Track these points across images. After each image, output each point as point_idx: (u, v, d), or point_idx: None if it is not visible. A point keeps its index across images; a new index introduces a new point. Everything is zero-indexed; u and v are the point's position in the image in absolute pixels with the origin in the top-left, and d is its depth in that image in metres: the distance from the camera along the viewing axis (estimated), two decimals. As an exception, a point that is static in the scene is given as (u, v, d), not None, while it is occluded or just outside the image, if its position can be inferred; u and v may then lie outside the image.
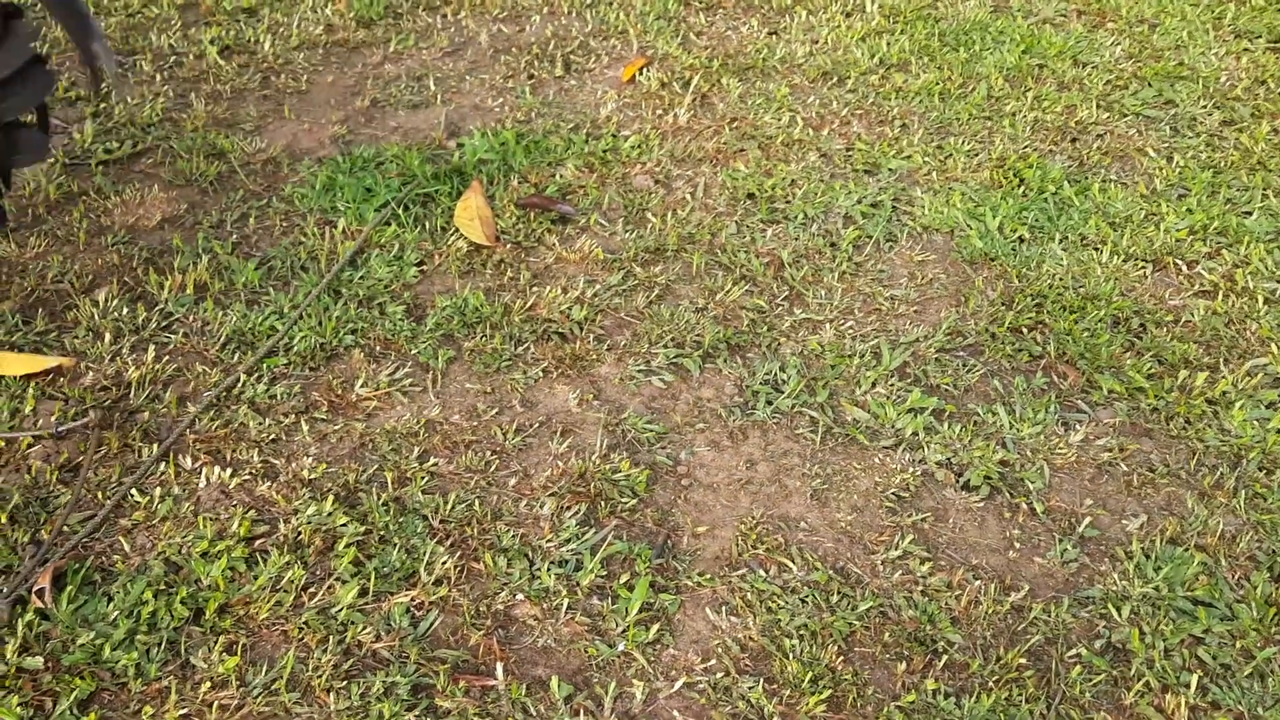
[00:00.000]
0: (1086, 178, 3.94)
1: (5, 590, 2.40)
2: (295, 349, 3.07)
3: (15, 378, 2.92)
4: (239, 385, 2.94)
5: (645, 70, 4.47)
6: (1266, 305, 3.37)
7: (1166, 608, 2.50)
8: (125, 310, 3.16)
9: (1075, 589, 2.56)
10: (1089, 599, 2.53)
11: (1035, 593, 2.55)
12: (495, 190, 3.72)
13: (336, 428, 2.86)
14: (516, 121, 4.13)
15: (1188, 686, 2.35)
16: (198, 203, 3.65)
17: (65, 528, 2.56)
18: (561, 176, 3.81)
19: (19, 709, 2.17)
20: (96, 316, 3.13)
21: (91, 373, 2.96)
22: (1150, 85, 4.53)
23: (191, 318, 3.17)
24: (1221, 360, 3.18)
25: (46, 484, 2.66)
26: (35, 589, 2.40)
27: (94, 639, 2.31)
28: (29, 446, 2.74)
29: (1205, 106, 4.41)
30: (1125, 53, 4.79)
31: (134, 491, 2.65)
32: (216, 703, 2.23)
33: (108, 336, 3.06)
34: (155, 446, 2.77)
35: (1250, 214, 3.77)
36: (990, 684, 2.34)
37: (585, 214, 3.65)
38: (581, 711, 2.26)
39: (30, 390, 2.87)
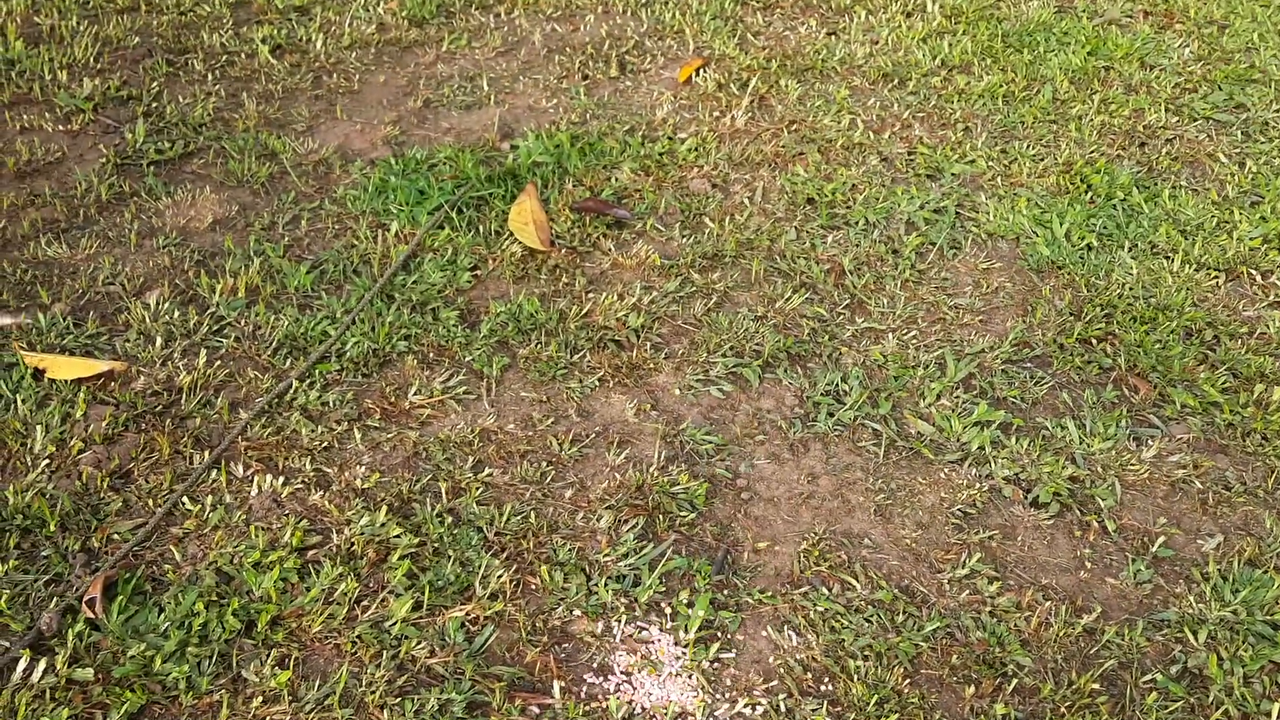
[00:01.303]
0: (1156, 184, 3.84)
1: (55, 600, 2.37)
2: (348, 354, 3.03)
3: (66, 381, 2.89)
4: (291, 391, 2.91)
5: (702, 71, 4.40)
6: (1346, 317, 3.27)
7: (1245, 632, 2.41)
8: (176, 313, 3.14)
9: (1149, 611, 2.47)
10: (1164, 622, 2.44)
11: (1108, 615, 2.46)
12: (550, 194, 3.66)
13: (389, 436, 2.81)
14: (571, 123, 4.08)
15: (1269, 715, 2.26)
16: (249, 204, 3.62)
17: (115, 536, 2.53)
18: (617, 180, 3.76)
19: (69, 721, 2.14)
20: (148, 319, 3.11)
21: (143, 377, 2.93)
22: (1220, 88, 4.41)
23: (243, 321, 3.14)
24: (1300, 374, 3.08)
25: (97, 490, 2.64)
26: (86, 599, 2.37)
27: (145, 650, 2.28)
28: (79, 453, 2.72)
29: (1278, 110, 4.28)
30: (1194, 55, 4.67)
31: (185, 499, 2.62)
32: (269, 718, 2.19)
33: (159, 340, 3.03)
34: (207, 453, 2.73)
35: (1327, 222, 3.66)
36: (1062, 709, 2.26)
37: (641, 218, 3.59)
38: (640, 733, 2.21)
39: (81, 394, 2.84)
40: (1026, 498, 2.71)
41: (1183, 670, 2.35)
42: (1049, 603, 2.48)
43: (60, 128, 3.93)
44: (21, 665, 2.24)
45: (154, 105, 4.08)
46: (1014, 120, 4.16)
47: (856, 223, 3.60)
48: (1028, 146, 4.00)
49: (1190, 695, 2.30)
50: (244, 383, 2.95)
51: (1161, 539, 2.62)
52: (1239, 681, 2.32)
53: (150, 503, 2.62)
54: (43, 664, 2.23)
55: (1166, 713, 2.27)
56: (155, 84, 4.18)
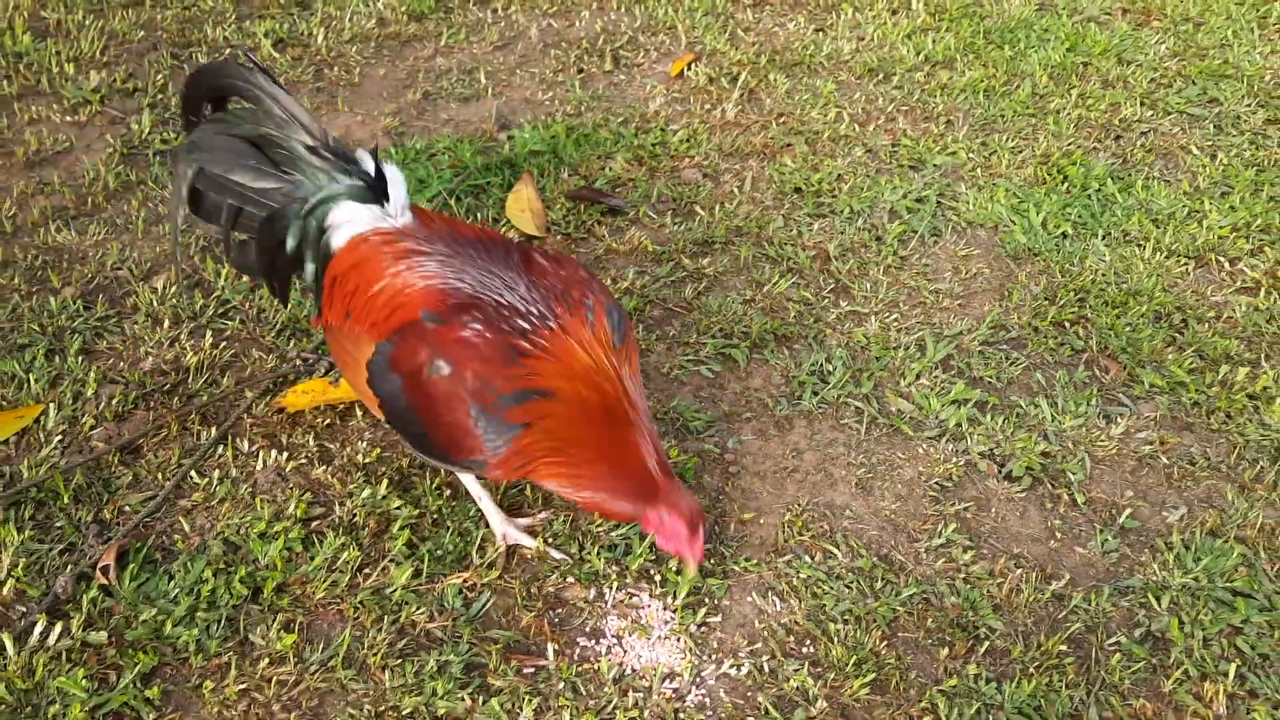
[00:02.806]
0: (1130, 175, 3.96)
1: (70, 567, 2.48)
2: (349, 336, 3.13)
3: (78, 360, 3.00)
4: (294, 373, 3.01)
5: (693, 65, 4.51)
6: (1310, 302, 3.40)
7: (1206, 598, 2.53)
8: (183, 297, 3.24)
9: (1115, 578, 2.60)
10: (1129, 589, 2.57)
11: (1076, 582, 2.58)
12: (545, 182, 3.78)
13: (390, 413, 2.92)
14: (566, 115, 4.19)
15: (1226, 675, 2.38)
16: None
17: (126, 508, 2.64)
18: (611, 169, 3.87)
19: (84, 681, 2.24)
20: (155, 303, 3.21)
21: (150, 358, 3.04)
22: (1195, 83, 4.53)
23: (248, 304, 3.24)
24: (1263, 356, 3.20)
25: (108, 465, 2.74)
26: (100, 565, 2.48)
27: (156, 615, 2.38)
28: (91, 429, 2.83)
29: (1249, 105, 4.41)
30: (1170, 51, 4.79)
31: (193, 473, 2.73)
32: (275, 678, 2.30)
33: (166, 322, 3.14)
34: (213, 430, 2.84)
35: (1294, 211, 3.78)
36: (1031, 670, 2.38)
37: (635, 206, 3.71)
38: (630, 691, 2.32)
39: (92, 374, 2.95)
40: (1000, 472, 2.83)
41: (1146, 633, 2.47)
42: (1020, 570, 2.60)
43: (68, 119, 4.03)
44: (39, 628, 2.34)
45: (159, 97, 4.18)
46: (994, 114, 4.28)
47: (842, 211, 3.72)
48: (1007, 139, 4.12)
49: (1152, 656, 2.42)
50: (249, 363, 3.05)
51: (1128, 511, 2.74)
52: (1199, 644, 2.44)
53: (159, 476, 2.73)
54: (59, 627, 2.34)
55: (1130, 673, 2.39)
56: (160, 76, 4.28)
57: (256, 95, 2.44)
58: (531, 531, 2.62)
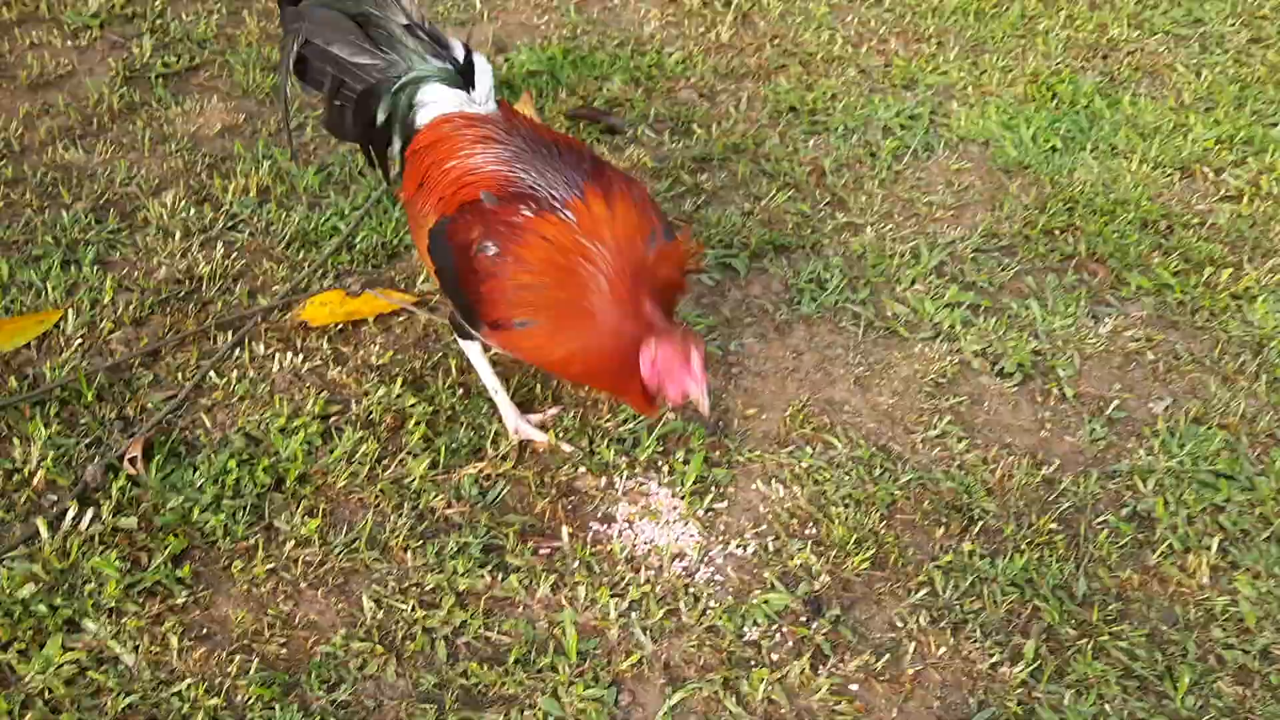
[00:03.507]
0: (1117, 92, 4.05)
1: (97, 458, 2.57)
2: (358, 247, 3.21)
3: (93, 269, 3.07)
4: (306, 281, 3.09)
5: (686, -10, 4.57)
6: (1290, 209, 3.51)
7: (1190, 480, 2.65)
8: (192, 211, 3.30)
9: (1103, 464, 2.71)
10: (1116, 472, 2.68)
11: (1065, 467, 2.70)
12: (544, 103, 3.84)
13: (401, 319, 3.00)
14: (563, 38, 4.25)
15: (1209, 549, 2.50)
16: (255, 113, 3.78)
17: (149, 405, 2.72)
18: (608, 90, 3.94)
19: (118, 562, 2.33)
20: (165, 216, 3.27)
21: (164, 268, 3.11)
22: (1180, 4, 4.63)
23: (256, 218, 3.31)
24: (1245, 258, 3.31)
25: (129, 366, 2.82)
26: (128, 457, 2.56)
27: (183, 503, 2.47)
28: (110, 333, 2.90)
29: (1233, 25, 4.51)
30: (1156, -26, 4.88)
31: (212, 374, 2.81)
32: (301, 558, 2.40)
33: (177, 235, 3.20)
34: (230, 334, 2.92)
35: (1276, 125, 3.89)
36: (1023, 546, 2.50)
37: (633, 125, 3.78)
38: (642, 569, 2.42)
39: (108, 282, 3.02)
40: (993, 369, 2.94)
41: (1133, 513, 2.59)
42: (1012, 458, 2.71)
43: (69, 43, 4.06)
44: (71, 514, 2.43)
45: (159, 22, 4.21)
46: (984, 35, 4.36)
47: (836, 129, 3.80)
48: (997, 59, 4.21)
49: (1139, 533, 2.54)
50: (260, 273, 3.13)
51: (1116, 403, 2.86)
52: (1183, 521, 2.56)
53: (179, 377, 2.81)
54: (90, 513, 2.43)
55: (1117, 547, 2.51)
56: (159, 2, 4.31)
57: None
58: (543, 426, 2.71)
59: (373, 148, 2.66)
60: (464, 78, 2.54)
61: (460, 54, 2.56)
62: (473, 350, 2.65)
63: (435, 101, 2.55)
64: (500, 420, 2.69)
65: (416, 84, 2.55)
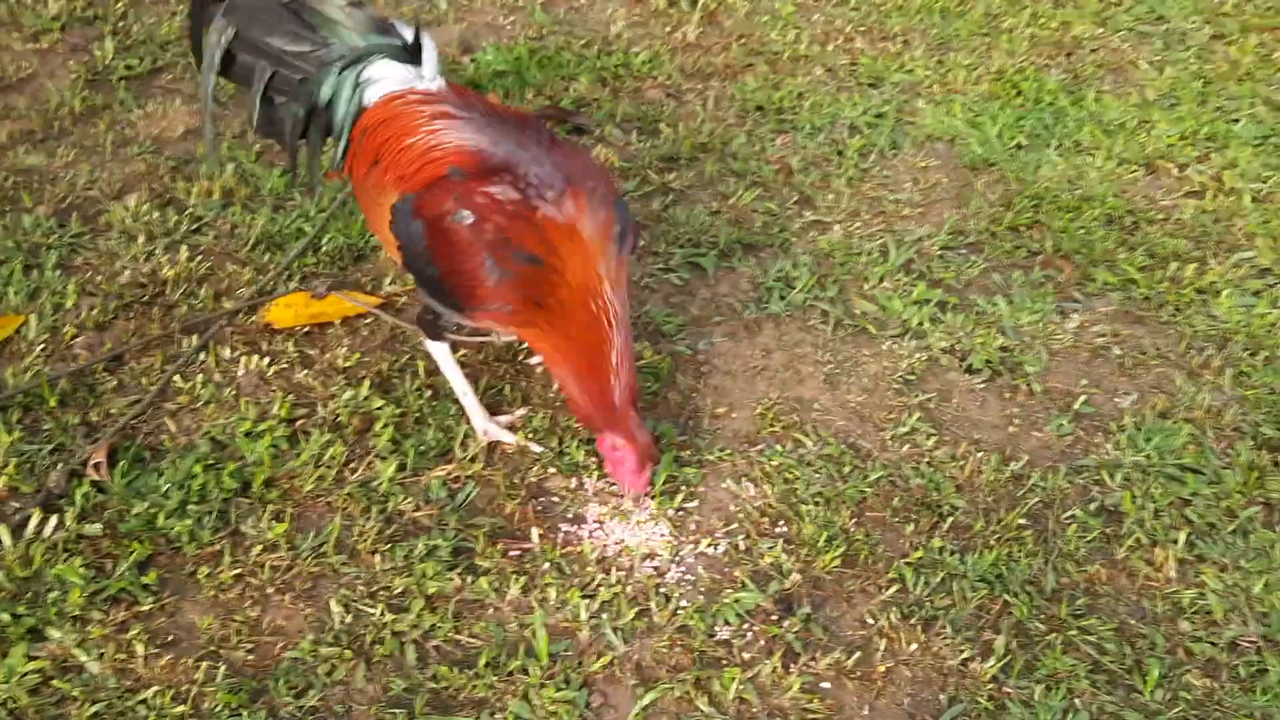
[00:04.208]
0: (1081, 89, 4.08)
1: (60, 465, 2.54)
2: (324, 249, 3.19)
3: (56, 273, 3.03)
4: (272, 284, 3.06)
5: (652, -11, 4.57)
6: (1253, 203, 3.54)
7: (1156, 474, 2.67)
8: (156, 214, 3.28)
9: (1071, 459, 2.72)
10: (1084, 467, 2.69)
11: (1034, 462, 2.71)
12: (511, 103, 3.83)
13: (368, 321, 2.99)
14: (529, 38, 4.24)
15: (1175, 542, 2.51)
16: (219, 115, 3.74)
17: (112, 411, 2.70)
18: (575, 90, 3.93)
19: (82, 569, 2.31)
20: (128, 220, 3.24)
21: (128, 272, 3.08)
22: (1143, 1, 4.66)
23: (220, 221, 3.29)
24: (1210, 253, 3.34)
25: (93, 371, 2.79)
26: (92, 463, 2.53)
27: (148, 508, 2.45)
28: (73, 338, 2.87)
29: (1196, 21, 4.54)
30: (1119, -29, 4.91)
31: (177, 378, 2.78)
32: (268, 563, 2.38)
33: (141, 238, 3.18)
34: (195, 338, 2.89)
35: (1238, 121, 3.92)
36: (992, 542, 2.50)
37: (600, 125, 3.77)
38: (612, 569, 2.42)
39: (71, 286, 2.99)
40: (961, 365, 2.95)
41: (1100, 507, 2.60)
42: (981, 454, 2.71)
43: (29, 46, 4.03)
44: (34, 521, 2.40)
45: (120, 25, 4.18)
46: (950, 33, 4.38)
47: (803, 127, 3.81)
48: (963, 57, 4.22)
49: (1106, 527, 2.56)
50: (225, 275, 3.10)
51: (1083, 398, 2.87)
52: (1150, 515, 2.57)
53: (143, 381, 2.78)
54: (53, 520, 2.40)
55: (1085, 542, 2.52)
56: (120, 4, 4.28)
57: None
58: (512, 428, 2.70)
59: (308, 135, 2.59)
60: (412, 54, 2.51)
61: (409, 35, 2.53)
62: (440, 352, 2.64)
63: (384, 78, 2.52)
64: (469, 422, 2.68)
65: (363, 60, 2.51)
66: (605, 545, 2.48)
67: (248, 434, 2.63)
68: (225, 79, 2.62)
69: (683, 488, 2.60)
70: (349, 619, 2.28)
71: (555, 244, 2.32)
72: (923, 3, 4.55)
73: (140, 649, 2.19)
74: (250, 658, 2.22)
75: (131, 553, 2.36)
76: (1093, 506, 2.60)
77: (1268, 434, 2.78)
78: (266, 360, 2.84)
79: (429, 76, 2.53)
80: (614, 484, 2.55)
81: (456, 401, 2.70)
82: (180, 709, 2.10)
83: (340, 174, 2.64)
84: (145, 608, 2.27)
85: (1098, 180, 3.59)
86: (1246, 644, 2.35)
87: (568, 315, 2.34)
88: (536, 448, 2.66)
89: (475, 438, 2.66)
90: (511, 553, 2.45)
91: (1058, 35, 4.41)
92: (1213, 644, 2.34)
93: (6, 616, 2.21)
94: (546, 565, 2.41)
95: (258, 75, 2.55)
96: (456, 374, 2.65)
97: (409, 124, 2.46)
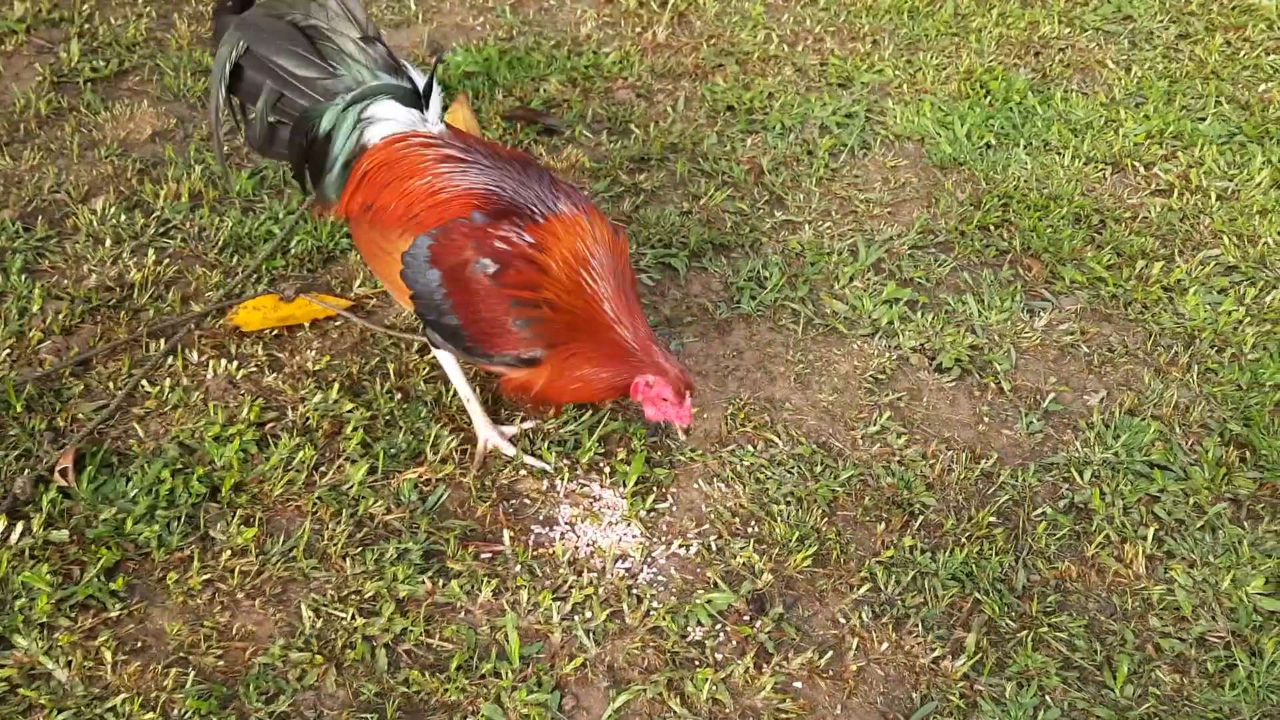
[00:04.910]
0: (1049, 88, 4.10)
1: (26, 470, 2.51)
2: (293, 252, 3.17)
3: (21, 278, 3.01)
4: (240, 287, 3.05)
5: (622, -10, 4.57)
6: (1219, 202, 3.57)
7: (1125, 471, 2.69)
8: (123, 217, 3.25)
9: (1040, 456, 2.74)
10: (1053, 465, 2.71)
11: (1003, 460, 2.72)
12: (480, 104, 3.82)
13: (337, 324, 2.97)
14: (499, 39, 4.23)
15: (1144, 539, 2.53)
16: (186, 117, 3.73)
17: (79, 416, 2.67)
18: (545, 91, 3.92)
19: (49, 576, 2.29)
20: (95, 223, 3.22)
21: (95, 275, 3.05)
22: (1109, 1, 4.68)
23: (189, 224, 3.26)
24: (1176, 251, 3.36)
25: (59, 376, 2.77)
26: (58, 469, 2.51)
27: (116, 514, 2.43)
28: (39, 343, 2.84)
29: (1162, 21, 4.57)
30: (1086, -29, 4.94)
31: (144, 383, 2.76)
32: (238, 569, 2.36)
33: (108, 241, 3.15)
34: (162, 342, 2.87)
35: (1204, 119, 3.95)
36: (963, 540, 2.51)
37: (570, 126, 3.77)
38: (584, 571, 2.41)
39: (36, 290, 2.96)
40: (931, 364, 2.96)
41: (1070, 504, 2.62)
42: (951, 452, 2.73)
43: (-7, 48, 3.99)
44: (0, 528, 2.38)
45: (86, 26, 4.14)
46: (919, 33, 4.39)
47: (773, 127, 3.81)
48: (931, 57, 4.24)
49: (1076, 524, 2.57)
50: (193, 279, 3.08)
51: (1052, 395, 2.89)
52: (1119, 512, 2.59)
53: (111, 386, 2.76)
54: (20, 527, 2.38)
55: (1055, 539, 2.53)
56: (86, 6, 4.24)
57: None
58: (513, 440, 2.69)
59: (312, 166, 2.58)
60: (420, 97, 2.50)
61: (420, 79, 2.51)
62: (447, 359, 2.63)
63: (389, 119, 2.50)
64: (465, 423, 2.67)
65: (368, 98, 2.49)
66: (577, 547, 2.48)
67: (216, 438, 2.62)
68: (232, 94, 2.61)
69: (654, 488, 2.60)
70: (320, 624, 2.27)
71: (547, 247, 2.33)
72: (892, 3, 4.56)
73: (108, 656, 2.17)
74: (220, 663, 2.21)
75: (99, 559, 2.34)
76: (1062, 504, 2.62)
77: (1235, 430, 2.81)
78: (235, 364, 2.82)
79: (432, 121, 2.52)
80: (654, 432, 2.57)
81: (429, 404, 2.69)
82: (149, 716, 2.09)
83: (326, 212, 2.62)
84: (113, 614, 2.26)
85: (1066, 179, 3.61)
86: (1215, 639, 2.37)
87: (570, 320, 2.35)
88: (536, 463, 2.64)
89: (476, 444, 2.65)
90: (483, 555, 2.44)
91: (1025, 35, 4.43)
92: (1182, 639, 2.36)
93: (-28, 624, 2.19)
94: (518, 568, 2.41)
95: (264, 94, 2.54)
96: (462, 381, 2.64)
97: (415, 167, 2.44)
